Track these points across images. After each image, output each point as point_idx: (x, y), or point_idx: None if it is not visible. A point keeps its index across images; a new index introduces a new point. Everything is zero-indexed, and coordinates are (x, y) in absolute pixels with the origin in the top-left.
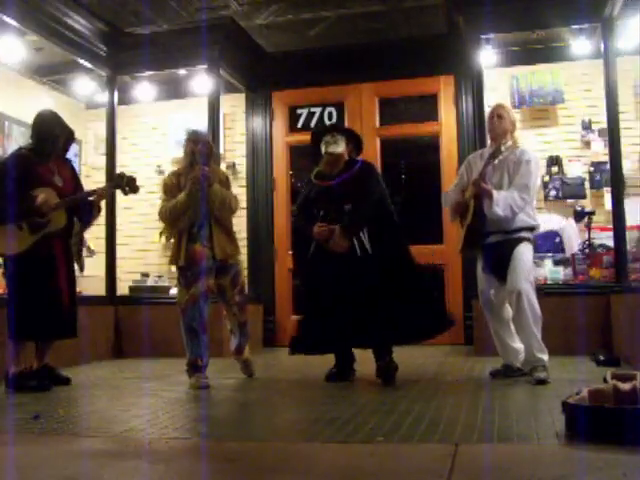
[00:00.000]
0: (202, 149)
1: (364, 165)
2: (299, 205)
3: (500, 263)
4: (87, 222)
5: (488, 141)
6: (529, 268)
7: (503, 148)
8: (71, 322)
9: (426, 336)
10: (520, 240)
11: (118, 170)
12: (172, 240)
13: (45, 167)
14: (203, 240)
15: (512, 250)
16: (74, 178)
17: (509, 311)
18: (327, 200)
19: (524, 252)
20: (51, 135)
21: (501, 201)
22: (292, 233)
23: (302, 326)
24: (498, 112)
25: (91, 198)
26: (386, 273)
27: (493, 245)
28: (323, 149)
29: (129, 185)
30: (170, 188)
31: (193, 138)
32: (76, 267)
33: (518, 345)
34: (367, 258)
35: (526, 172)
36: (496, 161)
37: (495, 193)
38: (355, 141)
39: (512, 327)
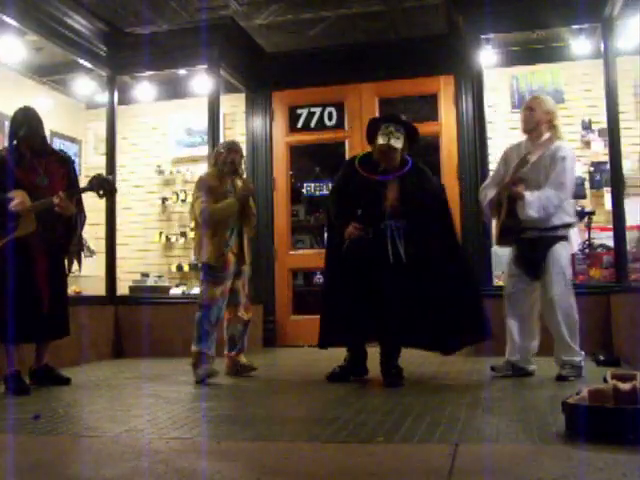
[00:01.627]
0: (239, 160)
1: (417, 167)
2: (335, 192)
3: (533, 261)
4: (73, 228)
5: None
6: (565, 270)
7: (535, 145)
8: (58, 322)
9: (444, 348)
10: (556, 239)
11: (118, 170)
12: (205, 238)
13: (27, 167)
14: (233, 246)
15: (547, 249)
16: (66, 176)
17: (534, 309)
18: (371, 195)
19: (560, 253)
20: (40, 131)
21: (535, 203)
22: (327, 220)
23: (327, 318)
24: (528, 104)
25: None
26: (421, 278)
27: (528, 241)
28: (382, 140)
29: (102, 187)
30: (215, 189)
31: (235, 148)
32: (75, 267)
33: (527, 344)
34: (398, 265)
35: (562, 169)
36: (535, 154)
37: (528, 195)
38: (413, 138)
39: (534, 326)
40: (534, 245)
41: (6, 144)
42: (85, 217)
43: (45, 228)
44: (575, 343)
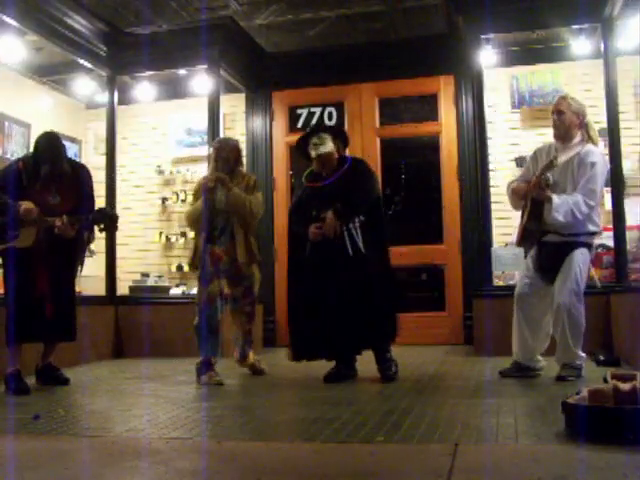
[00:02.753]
0: (225, 156)
1: (354, 162)
2: (292, 209)
3: (550, 265)
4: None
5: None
6: (580, 277)
7: (564, 148)
8: (63, 326)
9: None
10: (577, 245)
11: (118, 170)
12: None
13: (41, 186)
14: (221, 243)
15: (566, 255)
16: (76, 195)
17: (543, 314)
18: (320, 200)
19: (578, 260)
20: (63, 158)
21: (562, 207)
22: (288, 236)
23: (297, 331)
24: (557, 107)
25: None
26: (371, 275)
27: (548, 245)
28: (312, 153)
29: (104, 222)
30: (196, 193)
31: (217, 146)
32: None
33: (534, 346)
34: (359, 258)
35: (592, 176)
36: (564, 157)
37: (555, 198)
38: (341, 137)
39: (539, 328)
40: (554, 250)
41: (9, 144)
42: (93, 238)
43: (46, 243)
44: (578, 348)
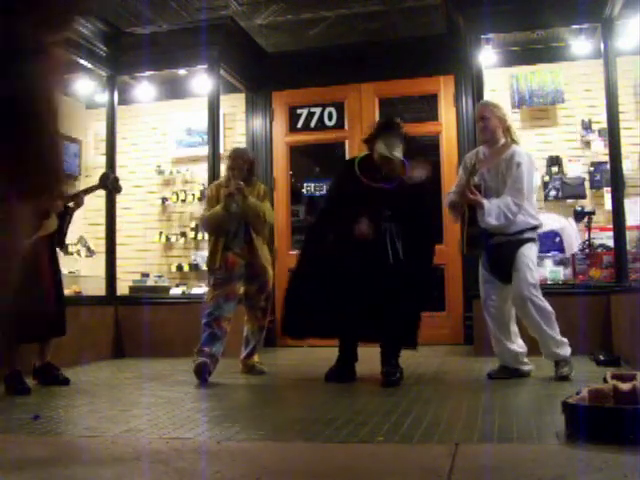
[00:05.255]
0: (241, 165)
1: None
2: (335, 195)
3: (502, 265)
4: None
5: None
6: (532, 270)
7: (487, 151)
8: (59, 321)
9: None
10: (523, 241)
11: (118, 170)
12: (208, 243)
13: None
14: (237, 248)
15: (514, 252)
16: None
17: (510, 313)
18: (368, 201)
19: (527, 254)
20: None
21: (493, 210)
22: (310, 224)
23: (300, 301)
24: (481, 114)
25: (71, 204)
26: (406, 277)
27: (495, 246)
28: (385, 152)
29: (114, 185)
30: (210, 199)
31: (233, 155)
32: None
33: (515, 347)
34: (398, 266)
35: (517, 176)
36: (492, 160)
37: (486, 203)
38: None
39: (512, 328)
40: (501, 250)
41: None
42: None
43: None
44: (557, 333)
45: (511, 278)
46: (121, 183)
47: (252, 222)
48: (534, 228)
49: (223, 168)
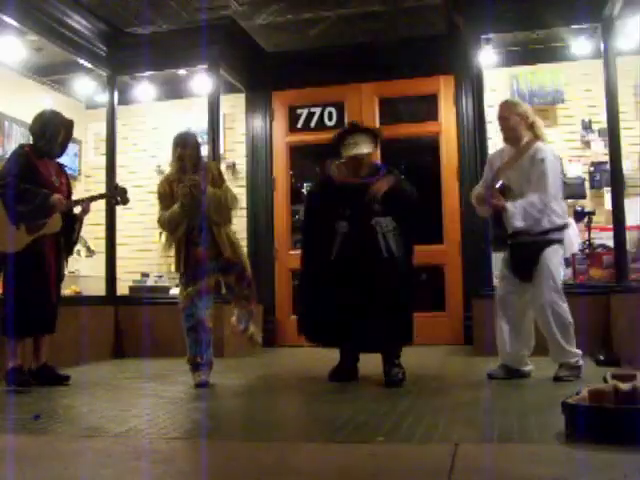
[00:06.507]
0: (191, 153)
1: (391, 171)
2: (314, 202)
3: (524, 265)
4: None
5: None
6: (556, 274)
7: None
8: (53, 319)
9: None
10: (548, 243)
11: (118, 170)
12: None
13: (45, 166)
14: (204, 242)
15: (539, 254)
16: (68, 184)
17: (523, 313)
18: (355, 198)
19: (551, 257)
20: (57, 135)
21: (518, 213)
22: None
23: (310, 312)
24: (500, 114)
25: (77, 209)
26: (398, 278)
27: (519, 246)
28: (347, 152)
29: (122, 196)
30: (164, 196)
31: (181, 143)
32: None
33: (519, 347)
34: (391, 260)
35: (542, 172)
36: (516, 160)
37: (510, 206)
38: (376, 141)
39: (521, 328)
40: (525, 250)
41: (10, 144)
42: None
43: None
44: (571, 345)
45: (530, 277)
46: (129, 196)
47: (216, 214)
48: (561, 228)
49: (167, 156)
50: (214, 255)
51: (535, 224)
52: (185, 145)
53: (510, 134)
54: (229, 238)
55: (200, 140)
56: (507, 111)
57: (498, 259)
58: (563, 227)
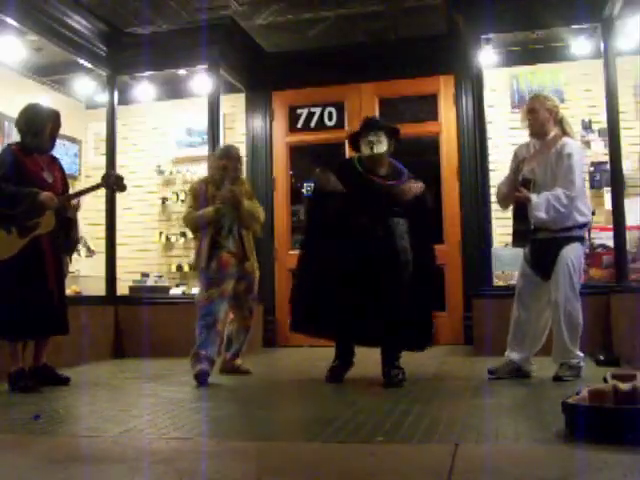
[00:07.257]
0: (234, 166)
1: (413, 177)
2: (331, 196)
3: (544, 261)
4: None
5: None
6: (574, 273)
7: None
8: (63, 319)
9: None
10: (569, 240)
11: (118, 170)
12: (196, 242)
13: (34, 163)
14: (231, 246)
15: (559, 250)
16: (63, 178)
17: (540, 311)
18: (377, 197)
19: (571, 255)
20: (44, 129)
21: (543, 205)
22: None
23: (306, 299)
24: (530, 106)
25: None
26: (413, 277)
27: (540, 242)
28: (367, 151)
29: (117, 184)
30: (198, 195)
31: (227, 155)
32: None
33: (529, 345)
34: (406, 262)
35: (568, 167)
36: (541, 154)
37: (534, 198)
38: (396, 138)
39: (536, 326)
40: (546, 246)
41: (6, 141)
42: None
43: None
44: (575, 347)
45: (549, 275)
46: (125, 182)
47: (248, 225)
48: (582, 226)
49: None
50: (238, 260)
51: (558, 218)
52: (230, 157)
53: (538, 128)
54: (253, 250)
55: (200, 140)
56: (538, 104)
57: (498, 259)
58: (585, 225)
